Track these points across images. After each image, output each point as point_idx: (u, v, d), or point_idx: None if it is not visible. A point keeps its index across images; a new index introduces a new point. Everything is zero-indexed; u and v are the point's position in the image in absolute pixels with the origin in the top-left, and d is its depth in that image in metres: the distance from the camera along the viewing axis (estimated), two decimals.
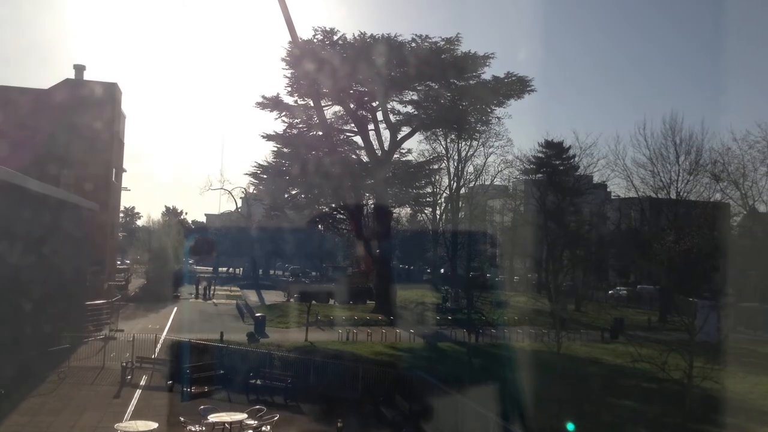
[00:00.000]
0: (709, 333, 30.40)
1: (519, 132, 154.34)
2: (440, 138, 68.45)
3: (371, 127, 48.40)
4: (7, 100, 39.70)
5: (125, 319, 39.90)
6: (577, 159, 62.74)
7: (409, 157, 55.48)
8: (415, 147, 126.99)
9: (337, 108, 49.45)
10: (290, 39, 42.12)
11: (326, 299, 52.88)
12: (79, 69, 42.78)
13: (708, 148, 47.77)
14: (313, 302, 45.73)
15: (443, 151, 70.31)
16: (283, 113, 48.37)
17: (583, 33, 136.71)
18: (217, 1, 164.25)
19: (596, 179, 65.08)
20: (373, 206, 54.28)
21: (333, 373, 22.61)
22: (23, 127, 39.59)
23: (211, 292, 56.70)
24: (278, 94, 47.51)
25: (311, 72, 44.09)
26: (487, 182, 75.65)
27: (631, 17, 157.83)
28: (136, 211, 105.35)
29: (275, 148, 49.36)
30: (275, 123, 75.06)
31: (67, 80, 41.63)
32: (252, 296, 58.55)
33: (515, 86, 46.63)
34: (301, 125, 49.48)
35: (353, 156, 49.25)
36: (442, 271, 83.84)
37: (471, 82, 46.60)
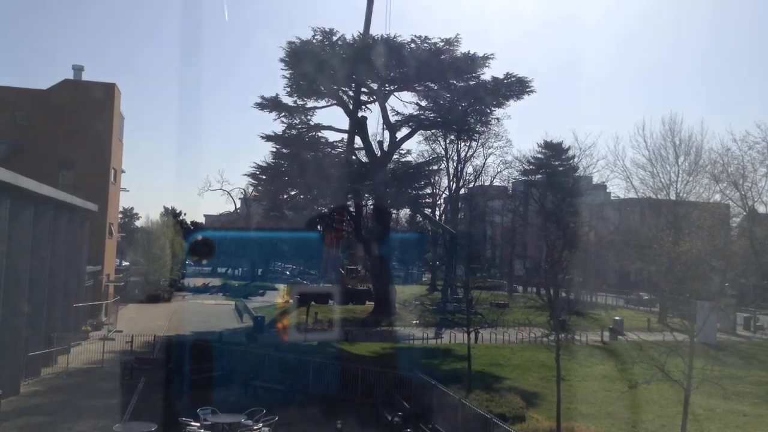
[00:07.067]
0: (708, 335, 30.53)
1: (518, 133, 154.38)
2: (440, 139, 68.61)
3: (371, 127, 48.44)
4: (6, 101, 39.62)
5: (124, 320, 39.92)
6: (576, 160, 62.83)
7: (409, 158, 55.56)
8: (415, 148, 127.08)
9: (336, 108, 49.48)
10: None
11: (325, 300, 52.85)
12: (78, 69, 42.69)
13: (707, 148, 47.71)
14: (312, 303, 45.76)
15: (443, 152, 70.48)
16: (282, 114, 48.33)
17: (582, 33, 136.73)
18: (215, 2, 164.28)
19: (596, 180, 65.16)
20: (372, 207, 54.26)
21: (332, 374, 22.56)
22: (22, 128, 39.53)
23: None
24: (277, 94, 47.54)
25: (310, 72, 44.07)
26: (487, 183, 75.82)
27: (630, 17, 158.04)
28: (135, 211, 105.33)
29: (274, 149, 49.30)
30: (274, 124, 75.08)
31: (66, 81, 41.51)
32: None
33: (514, 87, 46.64)
34: (300, 126, 49.43)
35: (353, 156, 49.22)
36: (440, 271, 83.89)
37: (470, 82, 46.58)
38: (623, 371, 25.82)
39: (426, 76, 45.77)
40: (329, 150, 49.51)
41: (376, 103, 48.38)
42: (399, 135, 49.24)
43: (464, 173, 73.48)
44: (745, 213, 44.43)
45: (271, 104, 47.38)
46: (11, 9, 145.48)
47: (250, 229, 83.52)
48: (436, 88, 47.33)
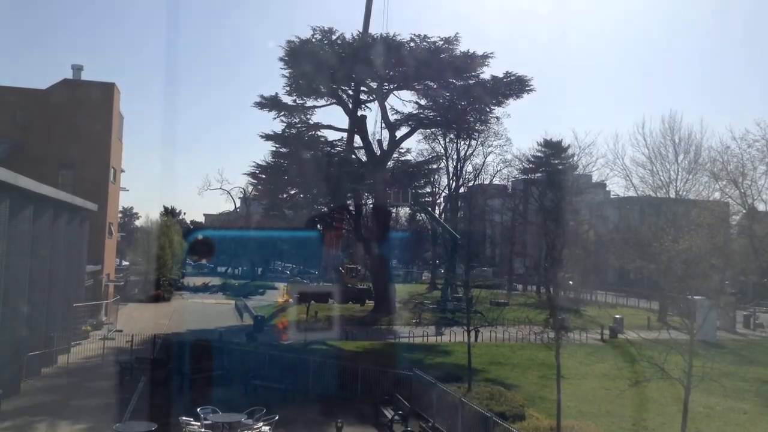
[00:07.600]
0: (708, 333, 30.55)
1: (518, 131, 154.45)
2: (439, 137, 68.62)
3: (370, 126, 48.45)
4: (6, 101, 39.60)
5: (124, 319, 39.93)
6: (576, 158, 62.94)
7: (408, 157, 55.55)
8: (414, 147, 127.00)
9: (335, 107, 49.49)
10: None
11: (325, 299, 52.83)
12: (77, 69, 42.68)
13: (707, 147, 48.00)
14: (312, 302, 45.73)
15: (442, 151, 70.49)
16: (282, 113, 48.32)
17: (581, 31, 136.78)
18: (216, 1, 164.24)
19: (595, 178, 65.26)
20: (372, 206, 54.24)
21: (332, 373, 22.57)
22: (22, 128, 39.51)
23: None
24: (276, 93, 47.53)
25: (310, 71, 44.06)
26: (486, 181, 75.86)
27: (630, 15, 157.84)
28: (134, 211, 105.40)
29: (274, 148, 49.31)
30: (274, 123, 75.04)
31: (66, 80, 41.48)
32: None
33: (514, 86, 46.63)
34: (299, 125, 49.43)
35: (352, 156, 49.21)
36: (441, 270, 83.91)
37: (470, 81, 46.56)
38: (623, 369, 25.80)
39: (425, 74, 45.75)
40: (329, 149, 49.53)
41: (376, 102, 48.39)
42: (398, 134, 49.27)
43: (464, 172, 73.62)
44: (744, 211, 44.49)
45: (271, 103, 47.36)
46: (11, 9, 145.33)
47: (250, 228, 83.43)
48: (435, 86, 47.32)
